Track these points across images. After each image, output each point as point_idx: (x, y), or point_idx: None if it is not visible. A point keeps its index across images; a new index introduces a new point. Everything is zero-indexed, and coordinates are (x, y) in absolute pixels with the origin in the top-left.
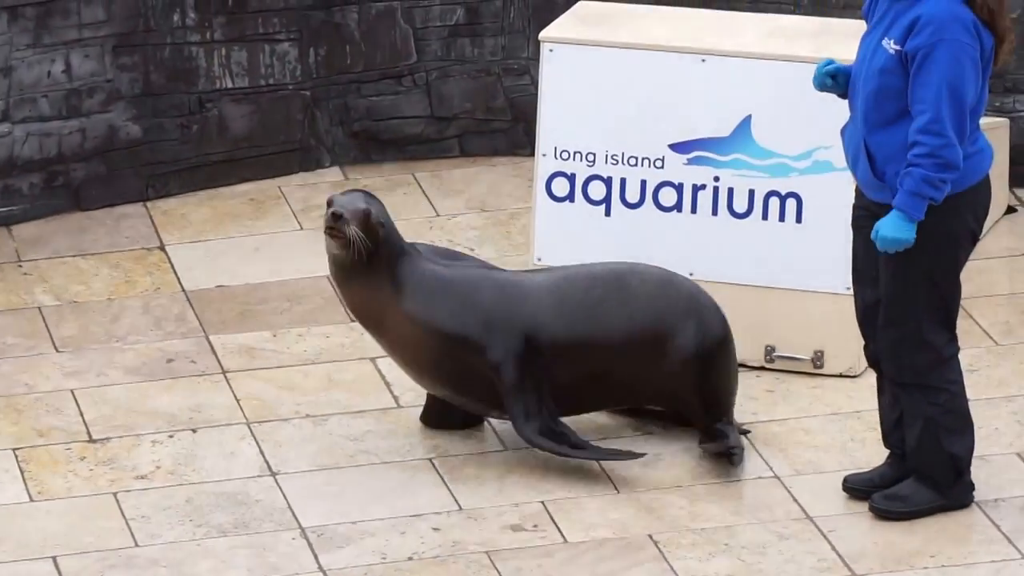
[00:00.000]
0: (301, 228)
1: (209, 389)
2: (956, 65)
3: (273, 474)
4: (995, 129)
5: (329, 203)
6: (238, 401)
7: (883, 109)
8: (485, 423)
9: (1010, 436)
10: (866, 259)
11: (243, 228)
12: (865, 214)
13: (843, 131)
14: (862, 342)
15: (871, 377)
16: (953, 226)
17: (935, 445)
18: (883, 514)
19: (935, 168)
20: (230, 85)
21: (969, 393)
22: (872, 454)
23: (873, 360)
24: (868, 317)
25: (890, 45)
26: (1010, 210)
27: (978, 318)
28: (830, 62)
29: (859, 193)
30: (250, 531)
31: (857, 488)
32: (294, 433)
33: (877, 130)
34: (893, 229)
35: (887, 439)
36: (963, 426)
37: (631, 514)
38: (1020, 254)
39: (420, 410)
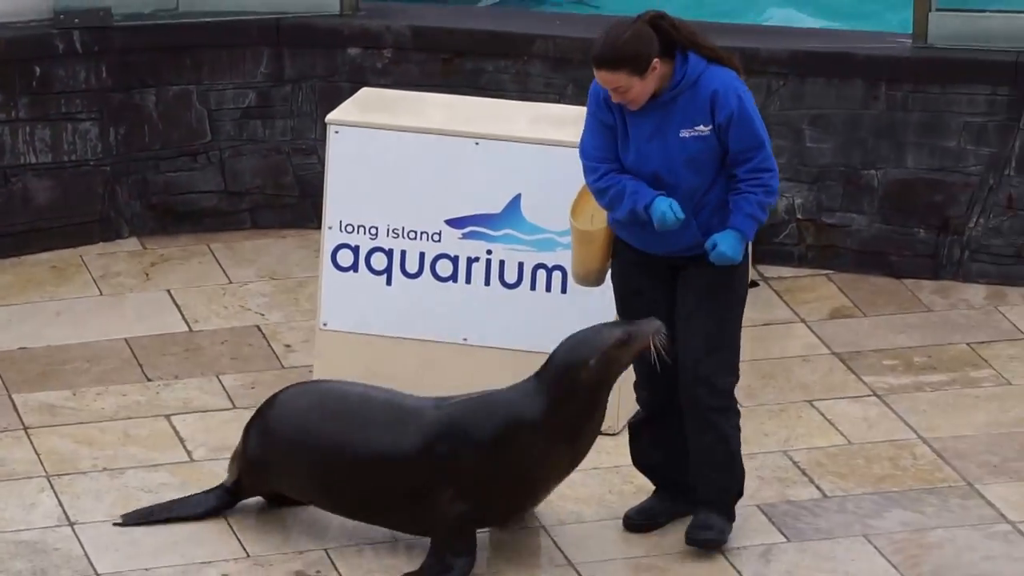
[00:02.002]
0: (101, 294)
1: (11, 444)
2: (756, 110)
3: (71, 524)
4: None
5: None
6: (38, 455)
7: (703, 182)
8: None
9: (751, 490)
10: (668, 313)
11: (45, 294)
12: (665, 265)
13: (622, 221)
14: (622, 403)
15: (626, 435)
16: (746, 267)
17: (737, 461)
18: (710, 544)
19: (767, 194)
20: (34, 160)
21: None
22: (629, 503)
23: (656, 409)
24: (661, 370)
25: (698, 130)
26: (752, 284)
27: None
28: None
29: (655, 253)
30: None
31: (637, 520)
32: (91, 485)
33: (704, 199)
34: (732, 248)
35: (655, 473)
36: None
37: (406, 561)
38: (760, 324)
39: (212, 464)
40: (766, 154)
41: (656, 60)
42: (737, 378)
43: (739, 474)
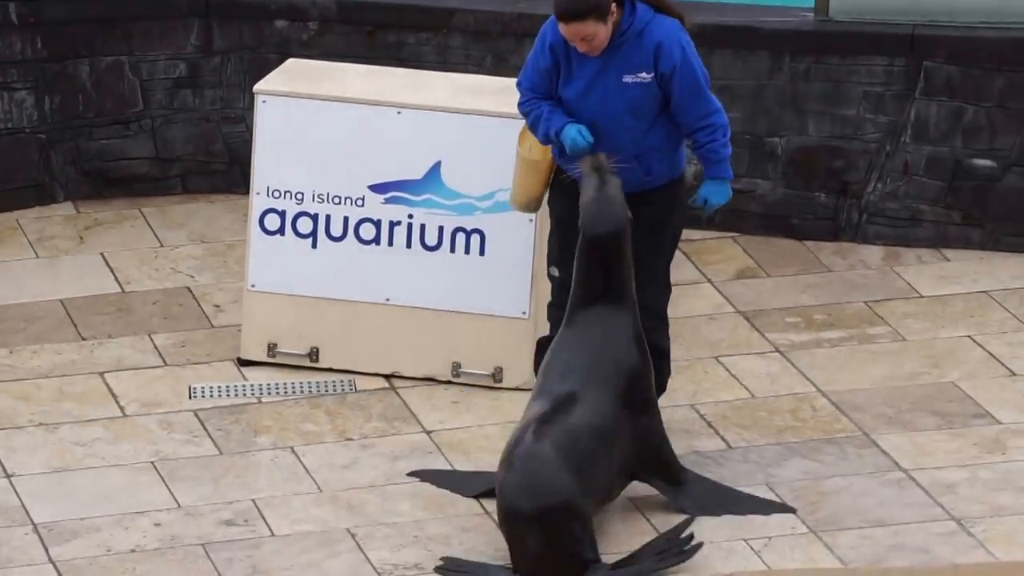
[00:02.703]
0: (36, 256)
1: None
2: (697, 59)
3: (8, 476)
4: None
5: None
6: None
7: (642, 126)
8: (202, 430)
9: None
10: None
11: None
12: None
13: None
14: (534, 357)
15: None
16: (683, 197)
17: (667, 361)
18: None
19: (723, 134)
20: None
21: None
22: None
23: (567, 287)
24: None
25: (640, 77)
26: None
27: None
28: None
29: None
30: None
31: None
32: (28, 440)
33: (644, 142)
34: (720, 195)
35: None
36: None
37: (331, 510)
38: None
39: (144, 419)
40: (708, 98)
41: (613, 4)
42: (671, 290)
43: (667, 373)
